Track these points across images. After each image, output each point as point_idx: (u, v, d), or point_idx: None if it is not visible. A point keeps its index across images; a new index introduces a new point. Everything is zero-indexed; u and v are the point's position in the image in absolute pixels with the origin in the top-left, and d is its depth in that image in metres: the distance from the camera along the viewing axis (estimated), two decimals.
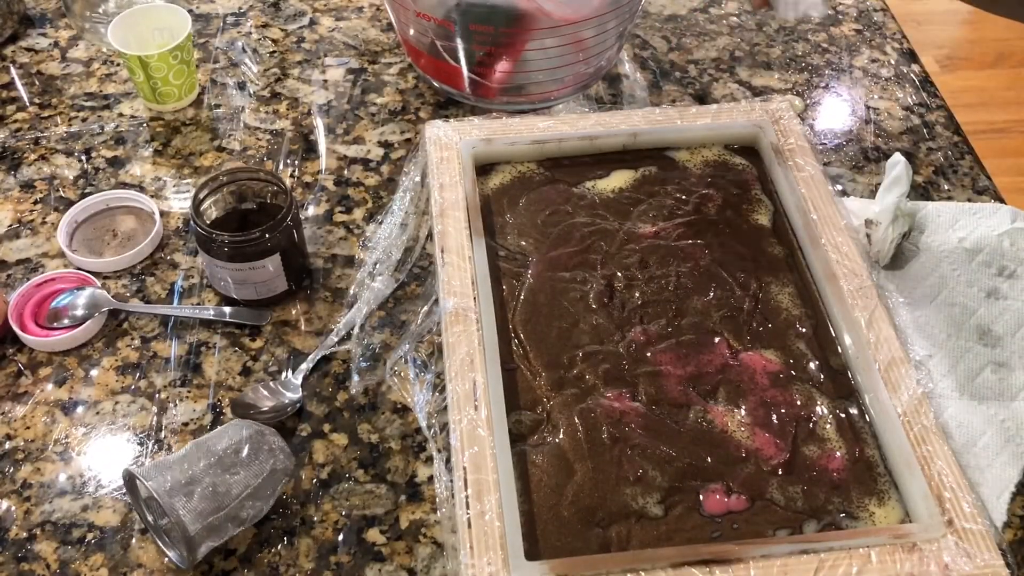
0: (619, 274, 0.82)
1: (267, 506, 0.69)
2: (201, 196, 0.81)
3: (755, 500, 0.69)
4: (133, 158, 0.97)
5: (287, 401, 0.77)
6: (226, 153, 0.97)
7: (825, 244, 0.81)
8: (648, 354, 0.77)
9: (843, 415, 0.73)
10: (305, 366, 0.79)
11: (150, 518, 0.70)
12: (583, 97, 1.03)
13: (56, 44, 1.09)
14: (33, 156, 0.97)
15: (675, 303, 0.80)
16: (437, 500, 0.71)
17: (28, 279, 0.85)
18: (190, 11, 1.10)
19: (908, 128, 1.01)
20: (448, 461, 0.71)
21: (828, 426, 0.73)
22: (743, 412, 0.73)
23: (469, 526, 0.65)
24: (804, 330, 0.78)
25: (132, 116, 1.01)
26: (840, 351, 0.77)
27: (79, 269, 0.86)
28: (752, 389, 0.75)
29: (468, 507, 0.65)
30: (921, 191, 0.94)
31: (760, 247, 0.84)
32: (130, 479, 0.69)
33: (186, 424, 0.76)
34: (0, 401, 0.78)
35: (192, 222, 0.80)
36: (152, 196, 0.92)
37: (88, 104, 1.02)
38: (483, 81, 0.97)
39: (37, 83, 1.04)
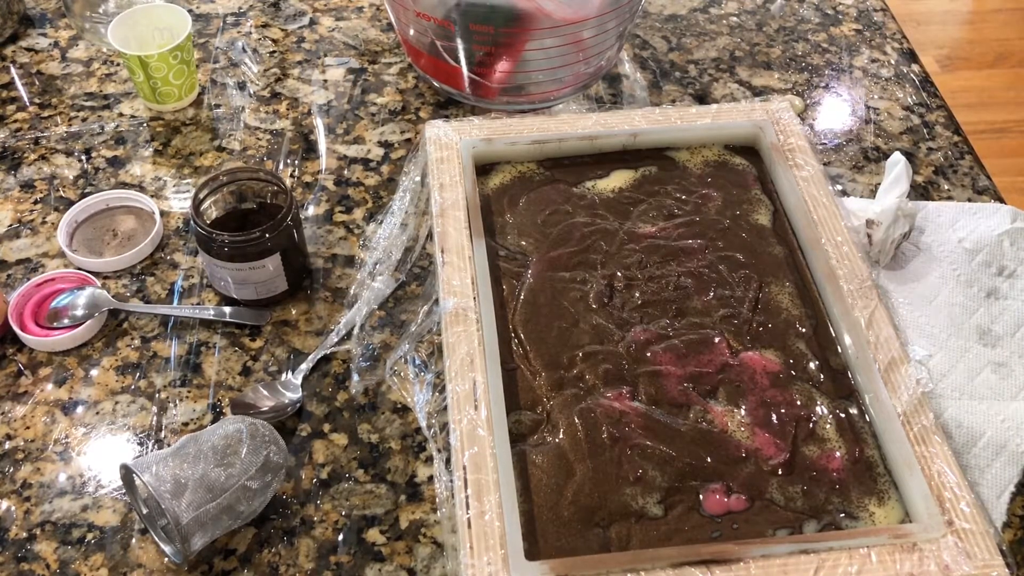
0: (619, 274, 0.82)
1: (264, 500, 0.69)
2: (201, 196, 0.81)
3: (755, 500, 0.69)
4: (133, 158, 0.97)
5: (287, 401, 0.77)
6: (226, 153, 0.97)
7: (825, 244, 0.81)
8: (648, 354, 0.77)
9: (843, 415, 0.73)
10: (305, 366, 0.79)
11: (147, 512, 0.70)
12: (583, 97, 1.03)
13: (56, 44, 1.09)
14: (33, 156, 0.97)
15: (675, 303, 0.80)
16: (437, 500, 0.71)
17: (28, 279, 0.85)
18: (190, 11, 1.11)
19: (908, 128, 1.01)
20: (448, 461, 0.71)
21: (828, 426, 0.73)
22: (743, 412, 0.73)
23: (469, 526, 0.65)
24: (804, 330, 0.78)
25: (132, 116, 1.01)
26: (840, 351, 0.77)
27: (79, 269, 0.86)
28: (752, 389, 0.75)
29: (468, 507, 0.65)
30: (921, 191, 0.94)
31: (760, 247, 0.84)
32: (127, 475, 0.69)
33: (186, 424, 0.76)
34: (0, 401, 0.78)
35: (192, 222, 0.80)
36: (152, 196, 0.92)
37: (88, 104, 1.02)
38: (483, 81, 0.97)
39: (37, 83, 1.04)
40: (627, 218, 0.86)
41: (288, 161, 0.96)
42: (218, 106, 1.02)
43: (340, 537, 0.71)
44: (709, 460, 0.71)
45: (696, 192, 0.88)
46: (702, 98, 1.03)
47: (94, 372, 0.80)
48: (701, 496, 0.69)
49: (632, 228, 0.86)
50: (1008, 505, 0.71)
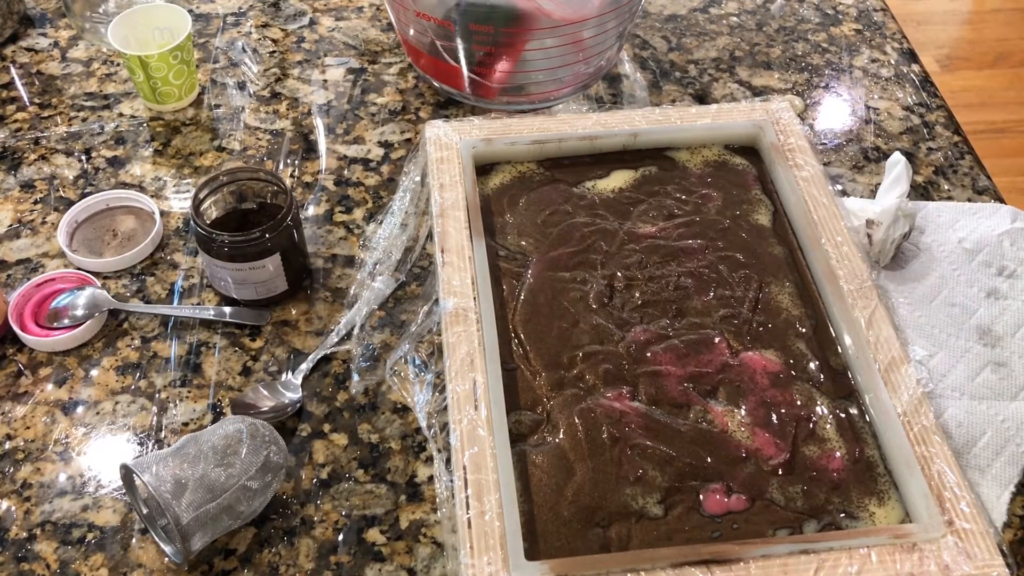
0: (619, 274, 0.82)
1: (264, 500, 0.69)
2: (201, 196, 0.81)
3: (755, 500, 0.69)
4: (133, 158, 0.97)
5: (287, 401, 0.77)
6: (226, 153, 0.97)
7: (825, 244, 0.81)
8: (648, 354, 0.77)
9: (843, 415, 0.73)
10: (305, 366, 0.79)
11: (147, 512, 0.70)
12: (583, 97, 1.03)
13: (56, 44, 1.09)
14: (33, 156, 0.97)
15: (675, 303, 0.80)
16: (437, 500, 0.71)
17: (28, 279, 0.85)
18: (190, 11, 1.11)
19: (908, 128, 1.01)
20: (448, 461, 0.71)
21: (828, 426, 0.73)
22: (743, 412, 0.73)
23: (469, 526, 0.65)
24: (804, 330, 0.78)
25: (132, 116, 1.01)
26: (840, 351, 0.77)
27: (79, 269, 0.86)
28: (752, 389, 0.75)
29: (468, 507, 0.65)
30: (921, 191, 0.94)
31: (760, 247, 0.84)
32: (127, 475, 0.69)
33: (186, 424, 0.76)
34: (0, 401, 0.78)
35: (192, 222, 0.80)
36: (152, 196, 0.92)
37: (88, 104, 1.02)
38: (483, 81, 0.97)
39: (37, 83, 1.04)
40: (627, 218, 0.86)
41: (288, 161, 0.96)
42: (218, 106, 1.02)
43: (340, 537, 0.71)
44: (709, 460, 0.71)
45: (696, 192, 0.88)
46: (702, 98, 1.03)
47: (94, 372, 0.80)
48: (701, 496, 0.69)
49: (632, 228, 0.86)
50: (1008, 505, 0.71)
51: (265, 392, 0.78)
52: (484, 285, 0.78)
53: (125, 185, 0.94)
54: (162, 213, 0.91)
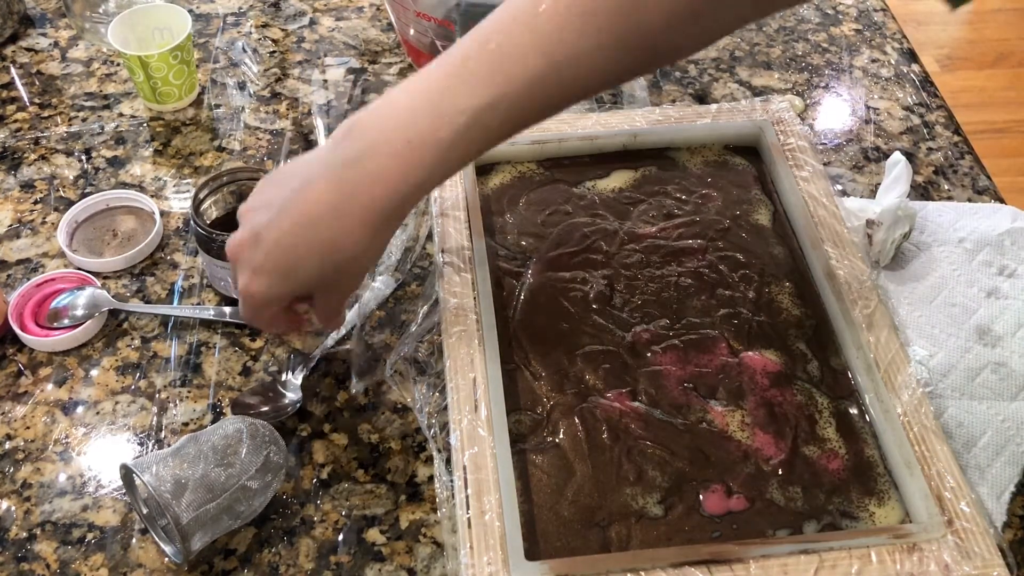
0: (619, 274, 0.82)
1: (264, 500, 0.69)
2: (201, 196, 0.81)
3: (755, 500, 0.69)
4: (133, 158, 0.97)
5: (287, 401, 0.77)
6: (226, 153, 0.97)
7: (825, 244, 0.81)
8: (648, 354, 0.77)
9: (843, 415, 0.73)
10: (305, 366, 0.79)
11: (147, 512, 0.70)
12: None
13: (56, 44, 1.09)
14: (33, 156, 0.97)
15: (675, 303, 0.80)
16: (437, 500, 0.71)
17: (28, 279, 0.85)
18: (190, 11, 1.10)
19: (908, 128, 1.01)
20: (448, 461, 0.71)
21: (828, 426, 0.73)
22: (743, 412, 0.73)
23: (469, 526, 0.65)
24: (804, 330, 0.78)
25: (132, 116, 1.01)
26: (840, 351, 0.77)
27: (79, 269, 0.86)
28: (752, 389, 0.75)
29: (468, 507, 0.65)
30: (921, 191, 0.94)
31: (760, 247, 0.84)
32: (127, 475, 0.69)
33: (186, 424, 0.76)
34: (0, 401, 0.78)
35: (192, 222, 0.80)
36: (152, 196, 0.92)
37: (88, 104, 1.02)
38: None
39: (37, 83, 1.04)
40: (627, 218, 0.86)
41: (288, 161, 0.96)
42: (218, 106, 1.02)
43: (340, 537, 0.71)
44: (709, 460, 0.71)
45: (696, 192, 0.88)
46: (702, 98, 1.03)
47: (94, 372, 0.80)
48: (701, 496, 0.69)
49: (632, 228, 0.86)
50: (1008, 505, 0.71)
51: (265, 392, 0.78)
52: (484, 285, 0.78)
53: (125, 185, 0.94)
54: (162, 213, 0.91)
